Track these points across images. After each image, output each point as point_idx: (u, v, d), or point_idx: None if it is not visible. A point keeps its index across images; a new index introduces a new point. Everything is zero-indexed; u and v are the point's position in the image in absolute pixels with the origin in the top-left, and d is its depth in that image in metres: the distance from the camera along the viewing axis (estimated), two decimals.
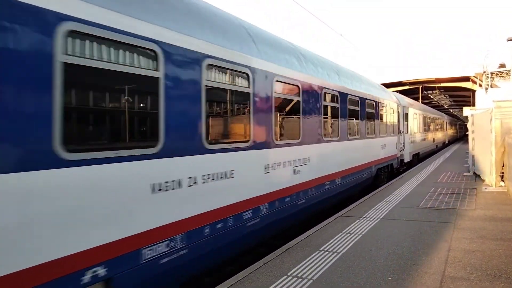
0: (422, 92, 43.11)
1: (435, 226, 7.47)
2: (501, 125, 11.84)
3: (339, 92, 9.87)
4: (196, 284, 5.82)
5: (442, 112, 48.42)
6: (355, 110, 11.16)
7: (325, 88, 8.93)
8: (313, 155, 8.23)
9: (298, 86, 7.71)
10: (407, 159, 19.03)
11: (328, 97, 9.23)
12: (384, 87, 17.12)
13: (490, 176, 12.24)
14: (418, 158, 22.94)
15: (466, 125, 25.35)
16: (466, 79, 39.08)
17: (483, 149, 13.52)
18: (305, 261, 5.69)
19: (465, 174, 15.54)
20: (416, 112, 22.69)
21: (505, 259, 5.53)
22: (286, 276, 5.13)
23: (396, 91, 29.13)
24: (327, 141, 9.03)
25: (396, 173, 16.94)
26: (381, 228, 7.42)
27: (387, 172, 15.53)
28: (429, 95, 49.25)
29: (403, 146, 18.26)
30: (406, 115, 19.54)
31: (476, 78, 36.85)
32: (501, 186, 11.80)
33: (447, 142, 42.77)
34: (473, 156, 15.60)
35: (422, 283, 4.78)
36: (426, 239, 6.62)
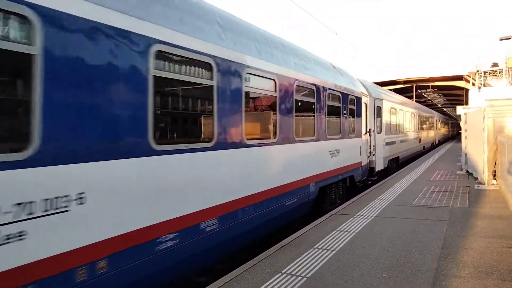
0: (416, 91, 43.37)
1: (428, 224, 7.53)
2: (493, 123, 11.94)
3: (229, 63, 5.80)
4: (190, 282, 5.82)
5: (433, 109, 48.01)
6: (270, 97, 7.16)
7: (175, 47, 4.73)
8: (107, 184, 3.87)
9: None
10: (380, 166, 15.09)
11: (192, 70, 5.20)
12: (345, 70, 12.32)
13: (482, 174, 12.35)
14: (398, 164, 19.06)
15: (459, 123, 24.81)
16: (460, 78, 39.38)
17: (476, 148, 13.63)
18: (299, 259, 5.71)
19: (458, 172, 15.67)
20: (394, 107, 18.58)
21: (497, 256, 5.59)
22: (280, 274, 5.15)
23: (390, 90, 28.93)
24: (173, 152, 4.72)
25: (361, 187, 12.83)
26: (374, 226, 7.46)
27: (344, 188, 11.06)
28: (423, 94, 49.55)
29: (374, 149, 14.31)
30: (379, 109, 15.63)
31: (469, 77, 37.18)
32: (493, 184, 11.91)
33: (437, 142, 38.43)
34: (466, 155, 15.73)
35: (415, 280, 4.82)
36: (419, 237, 6.67)
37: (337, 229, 7.29)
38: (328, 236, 6.85)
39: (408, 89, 42.90)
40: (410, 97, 38.44)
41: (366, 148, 13.07)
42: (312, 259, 5.70)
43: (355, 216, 8.33)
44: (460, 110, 18.42)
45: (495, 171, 12.02)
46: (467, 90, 31.05)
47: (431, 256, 5.68)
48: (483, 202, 9.58)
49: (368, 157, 13.44)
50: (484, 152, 12.08)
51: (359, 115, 12.29)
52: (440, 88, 45.62)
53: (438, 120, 40.67)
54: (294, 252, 6.01)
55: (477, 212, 8.52)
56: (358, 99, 12.24)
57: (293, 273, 5.17)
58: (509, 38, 30.45)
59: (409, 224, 7.53)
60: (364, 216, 8.32)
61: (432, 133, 34.45)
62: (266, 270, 5.29)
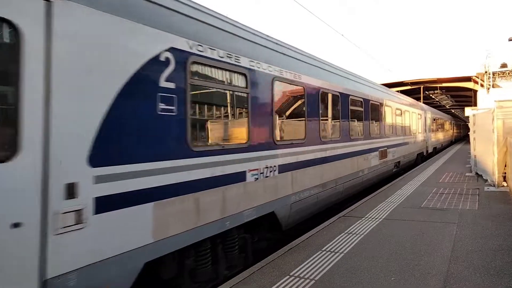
0: (423, 92, 43.07)
1: (437, 227, 7.45)
2: (503, 125, 11.82)
3: None
4: (199, 284, 5.81)
5: (441, 110, 46.72)
6: None
7: None
8: None
9: None
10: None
11: None
12: None
13: (492, 176, 12.21)
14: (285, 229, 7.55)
15: (467, 124, 22.60)
16: (468, 79, 39.03)
17: (485, 149, 13.48)
18: (307, 261, 5.68)
19: (467, 174, 15.50)
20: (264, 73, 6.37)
21: (508, 259, 5.51)
22: (288, 276, 5.13)
23: (398, 91, 28.32)
24: None
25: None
26: (383, 229, 7.40)
27: None
28: (431, 95, 49.19)
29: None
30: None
31: (478, 78, 36.84)
32: (503, 186, 11.77)
33: (430, 151, 25.46)
34: (475, 156, 15.57)
35: (425, 283, 4.77)
36: (428, 240, 6.60)
37: (345, 232, 7.25)
38: (336, 239, 6.81)
39: (416, 90, 42.65)
40: (418, 99, 38.04)
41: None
42: (320, 261, 5.67)
43: (363, 218, 8.28)
44: (468, 111, 18.23)
45: (505, 173, 11.88)
46: (475, 91, 30.75)
47: (441, 259, 5.62)
48: (493, 204, 9.45)
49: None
50: (493, 153, 11.94)
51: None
52: (448, 89, 45.23)
53: (433, 119, 27.82)
54: (302, 255, 5.99)
55: (487, 214, 8.41)
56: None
57: (301, 275, 5.15)
58: None
59: (418, 227, 7.46)
60: (373, 218, 8.26)
61: (417, 138, 21.22)
62: (274, 273, 5.27)
